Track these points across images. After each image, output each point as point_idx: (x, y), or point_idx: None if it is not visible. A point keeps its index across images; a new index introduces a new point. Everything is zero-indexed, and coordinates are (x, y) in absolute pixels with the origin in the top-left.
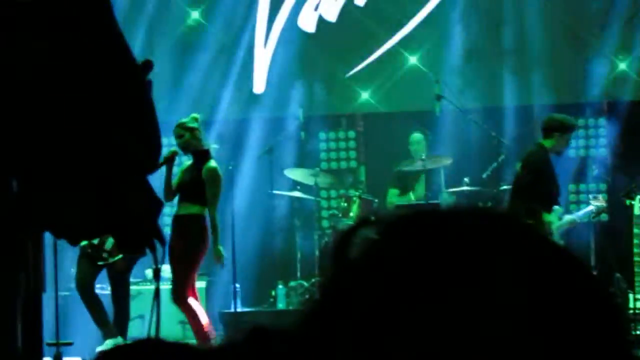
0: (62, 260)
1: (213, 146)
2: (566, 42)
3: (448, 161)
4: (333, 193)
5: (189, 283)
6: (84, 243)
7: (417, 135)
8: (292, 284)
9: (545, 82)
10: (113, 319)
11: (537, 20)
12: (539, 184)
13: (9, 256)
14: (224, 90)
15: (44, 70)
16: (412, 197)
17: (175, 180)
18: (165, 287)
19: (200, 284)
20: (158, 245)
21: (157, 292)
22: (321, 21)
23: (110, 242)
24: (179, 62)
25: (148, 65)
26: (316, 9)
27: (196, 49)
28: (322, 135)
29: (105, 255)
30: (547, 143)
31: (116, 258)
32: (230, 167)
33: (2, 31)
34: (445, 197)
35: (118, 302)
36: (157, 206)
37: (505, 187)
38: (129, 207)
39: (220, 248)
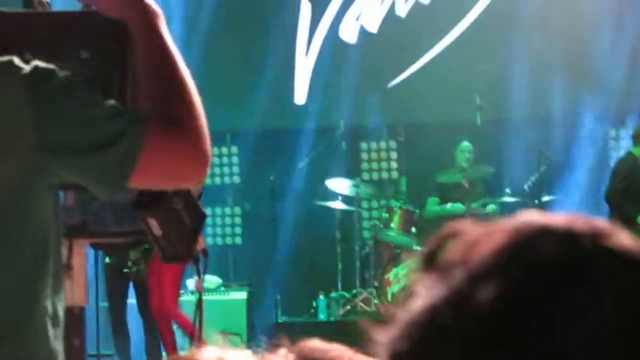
0: (102, 271)
1: None
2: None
3: (489, 170)
4: (374, 203)
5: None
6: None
7: (466, 144)
8: (333, 294)
9: (592, 89)
10: (144, 336)
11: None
12: (630, 190)
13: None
14: (264, 100)
15: None
16: (451, 206)
17: None
18: (209, 297)
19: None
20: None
21: (199, 303)
22: (362, 31)
23: (134, 252)
24: (217, 70)
25: None
26: (357, 19)
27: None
28: (364, 146)
29: (129, 264)
30: (636, 151)
31: (141, 267)
32: (272, 178)
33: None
34: (487, 207)
35: (144, 313)
36: (202, 218)
37: (547, 197)
38: (178, 217)
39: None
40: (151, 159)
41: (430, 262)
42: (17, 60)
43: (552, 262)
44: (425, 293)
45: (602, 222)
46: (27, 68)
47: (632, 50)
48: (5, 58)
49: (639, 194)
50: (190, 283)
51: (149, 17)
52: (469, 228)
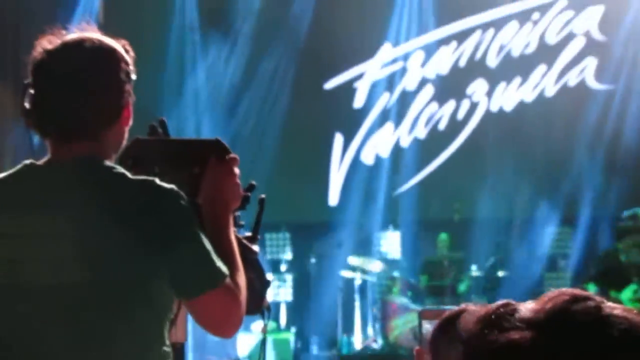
0: None
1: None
2: None
3: (460, 255)
4: (383, 275)
5: None
6: None
7: (443, 235)
8: (352, 337)
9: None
10: None
11: None
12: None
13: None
14: (309, 201)
15: None
16: (441, 282)
17: None
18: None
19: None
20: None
21: (264, 342)
22: (377, 157)
23: None
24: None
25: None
26: (375, 147)
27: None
28: (377, 235)
29: None
30: (621, 245)
31: None
32: (313, 260)
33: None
34: (464, 280)
35: None
36: (267, 284)
37: (501, 273)
38: (250, 283)
39: None
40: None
41: (448, 325)
42: (159, 182)
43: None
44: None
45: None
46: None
47: (604, 163)
48: (147, 178)
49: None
50: (255, 327)
51: (228, 208)
52: (472, 307)
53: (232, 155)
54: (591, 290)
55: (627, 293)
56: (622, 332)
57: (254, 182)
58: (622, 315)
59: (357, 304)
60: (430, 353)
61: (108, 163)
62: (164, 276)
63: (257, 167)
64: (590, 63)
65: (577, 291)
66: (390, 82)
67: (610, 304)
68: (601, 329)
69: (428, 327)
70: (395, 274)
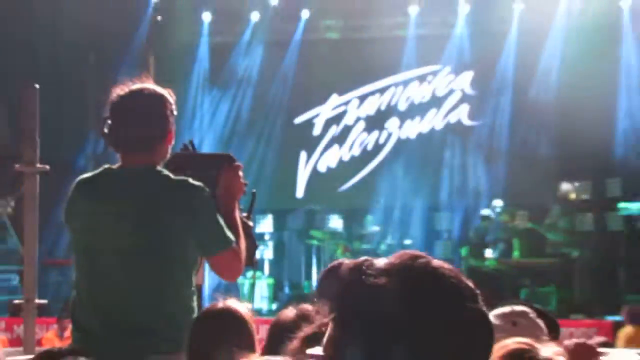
0: None
1: None
2: None
3: (380, 230)
4: (330, 242)
5: None
6: None
7: (369, 217)
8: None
9: None
10: None
11: None
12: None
13: None
14: (283, 193)
15: None
16: (369, 246)
17: None
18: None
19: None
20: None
21: (253, 285)
22: (328, 167)
23: None
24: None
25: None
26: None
27: None
28: (326, 217)
29: None
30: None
31: None
32: (287, 232)
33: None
34: (383, 246)
35: None
36: (256, 247)
37: (407, 242)
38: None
39: None
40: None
41: (329, 273)
42: (191, 180)
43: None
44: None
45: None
46: (197, 184)
47: None
48: (183, 178)
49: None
50: (248, 275)
51: (234, 199)
52: (346, 261)
53: (238, 163)
54: (464, 252)
55: (488, 258)
56: (446, 277)
57: (254, 191)
58: (447, 267)
59: (314, 261)
60: (319, 294)
61: (158, 168)
62: (193, 242)
63: (251, 171)
64: (464, 108)
65: (415, 252)
66: (337, 119)
67: (436, 261)
68: (432, 277)
69: None
70: (340, 241)
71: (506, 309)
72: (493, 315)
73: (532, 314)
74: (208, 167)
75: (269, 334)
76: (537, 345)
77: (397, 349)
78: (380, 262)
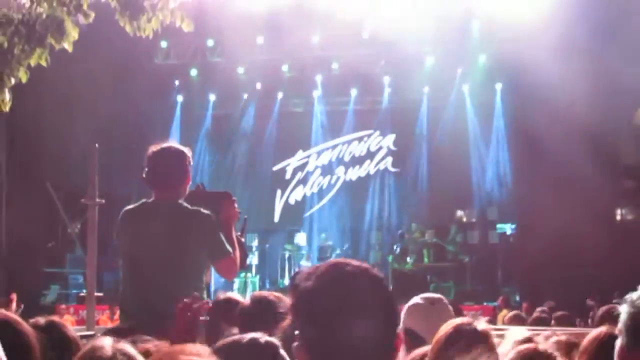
0: None
1: None
2: None
3: (331, 243)
4: (299, 252)
5: None
6: None
7: (323, 235)
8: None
9: None
10: None
11: None
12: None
13: None
14: (265, 218)
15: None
16: (326, 257)
17: None
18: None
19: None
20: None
21: (245, 283)
22: (296, 200)
23: None
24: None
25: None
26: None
27: None
28: (295, 235)
29: None
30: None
31: None
32: (267, 245)
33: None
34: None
35: None
36: (247, 256)
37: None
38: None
39: None
40: (227, 262)
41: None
42: (202, 210)
43: None
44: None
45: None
46: (206, 213)
47: None
48: (196, 208)
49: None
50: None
51: (231, 223)
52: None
53: (234, 198)
54: (390, 259)
55: (407, 263)
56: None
57: (245, 217)
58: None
59: (287, 265)
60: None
61: (180, 201)
62: (204, 252)
63: (244, 203)
64: (389, 159)
65: (340, 260)
66: (302, 167)
67: (365, 265)
68: (339, 279)
69: None
70: (304, 252)
71: (427, 294)
72: (419, 297)
73: (445, 300)
74: (214, 201)
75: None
76: (474, 320)
77: (322, 331)
78: (308, 268)
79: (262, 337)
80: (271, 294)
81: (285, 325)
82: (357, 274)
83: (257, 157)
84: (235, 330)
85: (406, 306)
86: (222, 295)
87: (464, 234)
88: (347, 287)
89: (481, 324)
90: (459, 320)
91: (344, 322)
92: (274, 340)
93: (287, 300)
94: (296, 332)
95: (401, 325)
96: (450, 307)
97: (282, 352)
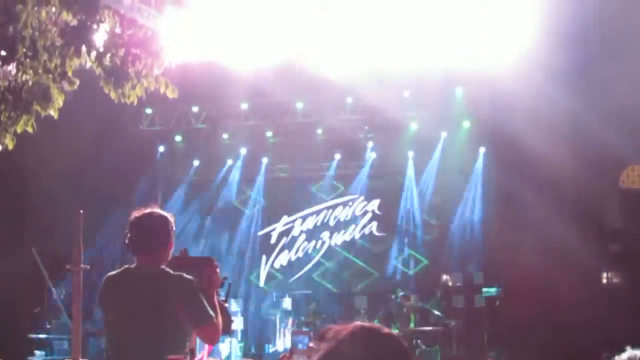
0: None
1: None
2: None
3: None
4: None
5: None
6: None
7: (313, 306)
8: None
9: None
10: None
11: None
12: None
13: None
14: (252, 284)
15: None
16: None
17: None
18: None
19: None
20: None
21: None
22: (281, 264)
23: None
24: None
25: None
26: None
27: None
28: (281, 299)
29: None
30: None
31: None
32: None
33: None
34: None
35: None
36: (232, 322)
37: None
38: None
39: None
40: (209, 330)
41: (320, 338)
42: (185, 275)
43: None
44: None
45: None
46: (188, 278)
47: None
48: (179, 273)
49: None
50: (225, 343)
51: (214, 289)
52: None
53: (216, 264)
54: (375, 323)
55: (393, 327)
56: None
57: (230, 282)
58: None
59: (271, 330)
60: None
61: (162, 267)
62: (186, 318)
63: (229, 267)
64: (375, 224)
65: (371, 324)
66: (287, 232)
67: (379, 326)
68: (372, 340)
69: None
70: (290, 316)
71: None
72: None
73: None
74: (196, 266)
75: None
76: None
77: None
78: (336, 328)
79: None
80: None
81: None
82: (391, 339)
83: (245, 222)
84: None
85: None
86: None
87: (449, 299)
88: (382, 351)
89: None
90: None
91: None
92: None
93: None
94: None
95: None
96: None
97: None
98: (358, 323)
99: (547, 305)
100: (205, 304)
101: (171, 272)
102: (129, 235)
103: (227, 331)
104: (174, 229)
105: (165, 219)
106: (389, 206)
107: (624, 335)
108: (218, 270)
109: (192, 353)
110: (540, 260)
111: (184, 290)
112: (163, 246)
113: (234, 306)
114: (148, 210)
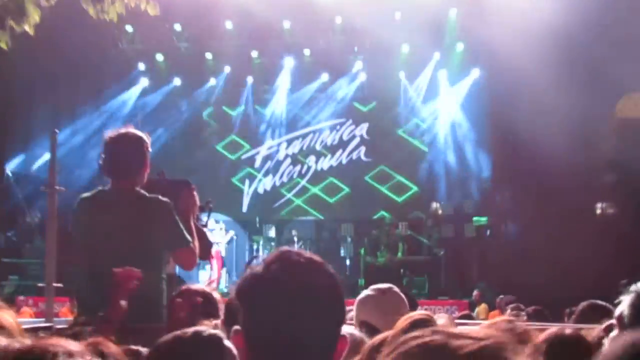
0: None
1: None
2: None
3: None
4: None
5: None
6: None
7: (293, 230)
8: None
9: None
10: None
11: None
12: None
13: None
14: (235, 209)
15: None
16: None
17: None
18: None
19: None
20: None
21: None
22: (264, 189)
23: None
24: None
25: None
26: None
27: None
28: (264, 226)
29: None
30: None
31: None
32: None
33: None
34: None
35: None
36: (211, 246)
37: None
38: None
39: None
40: (186, 252)
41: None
42: (161, 198)
43: None
44: None
45: None
46: (164, 200)
47: None
48: (155, 196)
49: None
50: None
51: (190, 212)
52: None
53: (193, 186)
54: (362, 252)
55: (379, 256)
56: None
57: (209, 199)
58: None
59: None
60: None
61: (138, 189)
62: (162, 241)
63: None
64: (363, 149)
65: (292, 250)
66: (271, 157)
67: (317, 259)
68: (288, 268)
69: None
70: (273, 243)
71: (377, 285)
72: (369, 289)
73: (396, 289)
74: (173, 190)
75: (225, 310)
76: (433, 316)
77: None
78: (265, 256)
79: (205, 330)
80: None
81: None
82: (307, 265)
83: (226, 144)
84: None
85: (357, 299)
86: (194, 286)
87: (439, 227)
88: (294, 276)
89: (441, 319)
90: (417, 316)
91: (287, 313)
92: (218, 332)
93: None
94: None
95: (355, 319)
96: (403, 296)
97: (227, 343)
98: (286, 248)
99: (540, 237)
100: (182, 227)
101: (147, 194)
102: (103, 157)
103: (205, 257)
104: (150, 149)
105: (140, 139)
106: (378, 131)
107: (617, 266)
108: (195, 193)
109: (172, 278)
110: (534, 190)
111: (160, 212)
112: (138, 168)
113: (218, 235)
114: (122, 131)
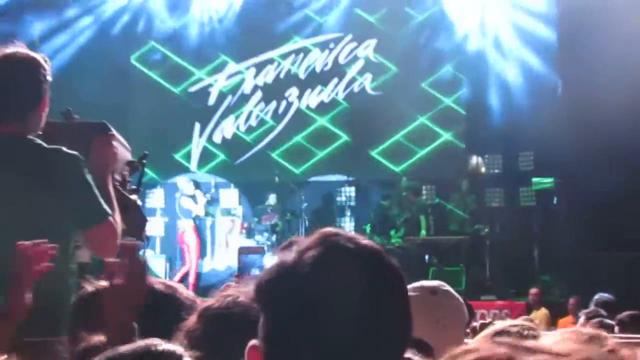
0: None
1: None
2: None
3: (281, 205)
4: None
5: None
6: None
7: (272, 195)
8: None
9: None
10: None
11: None
12: None
13: None
14: (177, 165)
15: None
16: (266, 225)
17: None
18: None
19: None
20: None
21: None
22: (223, 138)
23: None
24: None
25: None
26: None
27: None
28: (221, 191)
29: None
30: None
31: None
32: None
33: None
34: (282, 223)
35: None
36: (145, 221)
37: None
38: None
39: None
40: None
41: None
42: (65, 149)
43: None
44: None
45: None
46: (71, 153)
47: None
48: (56, 147)
49: None
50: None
51: (108, 170)
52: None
53: (112, 132)
54: (367, 230)
55: (393, 236)
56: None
57: (146, 152)
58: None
59: (208, 238)
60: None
61: (30, 137)
62: (68, 213)
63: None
64: (369, 77)
65: (339, 232)
66: (234, 89)
67: (376, 246)
68: (336, 261)
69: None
70: (235, 218)
71: (422, 282)
72: (410, 287)
73: (448, 286)
74: (83, 136)
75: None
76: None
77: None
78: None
79: (160, 344)
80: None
81: (191, 325)
82: (361, 255)
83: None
84: None
85: None
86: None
87: (482, 193)
88: (342, 273)
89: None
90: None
91: (327, 325)
92: (177, 347)
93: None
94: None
95: None
96: (459, 297)
97: None
98: (328, 229)
99: (636, 208)
100: (96, 193)
101: (44, 144)
102: None
103: (137, 234)
104: (50, 77)
105: (35, 63)
106: (391, 49)
107: None
108: (114, 142)
109: (84, 268)
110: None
111: (64, 171)
112: (32, 107)
113: (151, 201)
114: (9, 50)
